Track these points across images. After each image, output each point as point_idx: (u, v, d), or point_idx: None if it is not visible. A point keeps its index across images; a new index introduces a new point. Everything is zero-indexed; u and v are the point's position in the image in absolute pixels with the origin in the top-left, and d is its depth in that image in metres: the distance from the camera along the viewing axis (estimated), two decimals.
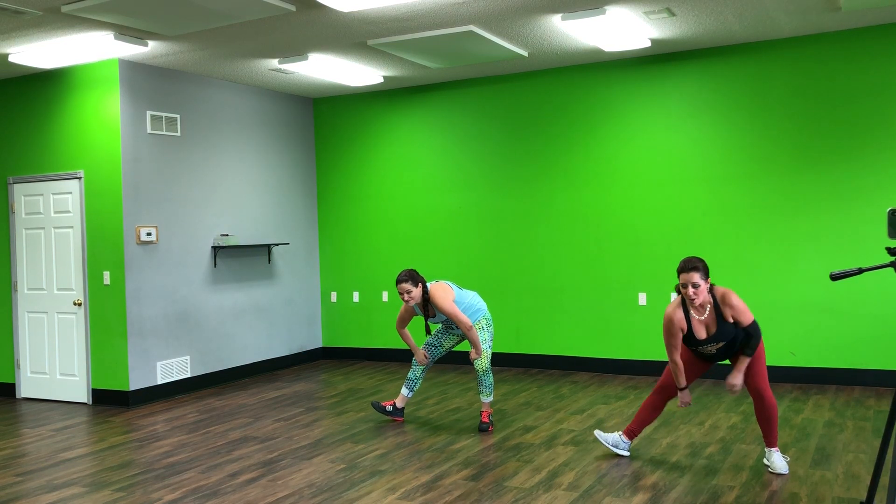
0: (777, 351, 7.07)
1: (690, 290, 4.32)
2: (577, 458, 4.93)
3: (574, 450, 5.10)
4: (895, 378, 6.68)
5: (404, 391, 5.96)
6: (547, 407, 6.37)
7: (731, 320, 4.43)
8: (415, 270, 5.59)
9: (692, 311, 4.49)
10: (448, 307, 5.52)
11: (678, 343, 4.54)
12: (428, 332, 5.70)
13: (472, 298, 5.73)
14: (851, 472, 4.46)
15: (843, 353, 6.83)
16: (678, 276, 4.38)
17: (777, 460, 4.52)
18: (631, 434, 4.89)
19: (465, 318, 5.53)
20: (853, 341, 6.79)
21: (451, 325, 5.84)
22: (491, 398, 5.72)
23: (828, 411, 5.92)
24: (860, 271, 3.05)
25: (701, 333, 4.50)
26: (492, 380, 5.71)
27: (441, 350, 5.90)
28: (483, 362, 5.63)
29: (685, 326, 4.50)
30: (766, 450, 4.59)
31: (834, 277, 3.08)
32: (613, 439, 4.92)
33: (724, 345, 4.51)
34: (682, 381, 4.66)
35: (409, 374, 5.95)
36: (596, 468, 4.70)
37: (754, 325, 4.41)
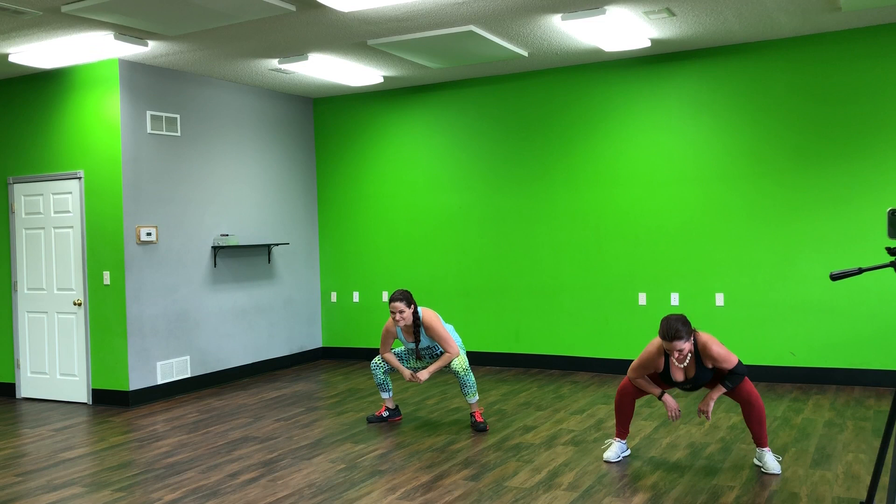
0: (777, 351, 7.07)
1: (676, 355, 4.34)
2: (577, 458, 4.93)
3: (574, 450, 5.10)
4: (895, 378, 6.68)
5: (384, 395, 5.97)
6: (547, 407, 6.37)
7: (710, 367, 4.48)
8: (409, 292, 5.60)
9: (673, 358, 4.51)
10: (443, 331, 5.61)
11: (644, 374, 4.63)
12: (419, 357, 5.79)
13: (452, 331, 5.83)
14: (851, 472, 4.46)
15: (843, 353, 6.83)
16: (662, 340, 4.32)
17: (770, 460, 4.51)
18: (623, 435, 4.89)
19: (454, 345, 5.63)
20: (853, 341, 6.79)
21: (424, 355, 5.88)
22: (477, 397, 5.73)
23: (828, 411, 5.92)
24: (860, 271, 3.05)
25: (678, 376, 4.55)
26: (473, 378, 5.73)
27: (408, 365, 5.97)
28: (462, 362, 5.65)
29: (660, 368, 4.55)
30: (758, 450, 4.59)
31: (834, 277, 3.08)
32: (618, 449, 4.87)
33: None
34: (657, 389, 4.67)
35: (376, 381, 5.93)
36: (596, 468, 4.70)
37: (739, 365, 4.43)
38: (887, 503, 2.83)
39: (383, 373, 5.89)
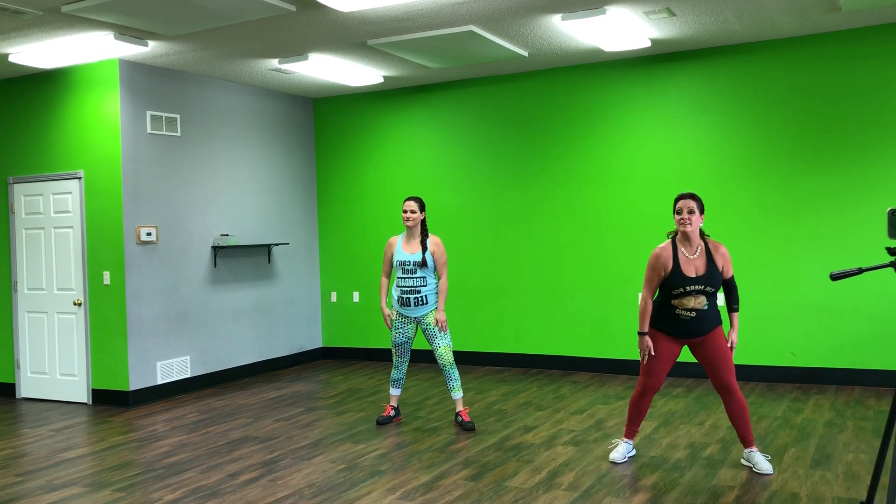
0: (777, 351, 7.07)
1: (685, 215, 4.42)
2: (577, 458, 4.93)
3: (574, 450, 5.10)
4: (895, 378, 6.68)
5: (395, 391, 5.98)
6: (547, 407, 6.37)
7: (721, 268, 4.51)
8: (423, 200, 5.71)
9: (682, 249, 4.51)
10: (444, 255, 5.71)
11: (657, 283, 4.56)
12: (421, 266, 5.71)
13: None
14: (851, 472, 4.46)
15: (843, 353, 6.83)
16: (675, 205, 4.49)
17: (761, 460, 4.52)
18: (632, 435, 4.89)
19: (445, 269, 5.74)
20: (853, 341, 6.79)
21: (408, 316, 5.80)
22: (462, 393, 5.82)
23: (828, 411, 5.92)
24: (860, 271, 3.05)
25: (689, 271, 4.47)
26: (458, 373, 5.81)
27: (411, 343, 5.91)
28: (447, 356, 5.71)
29: (669, 266, 4.48)
30: (746, 451, 4.60)
31: (834, 277, 3.08)
32: (625, 450, 4.86)
33: (703, 304, 4.48)
34: (646, 327, 4.63)
35: (395, 375, 5.95)
36: (596, 468, 4.70)
37: (734, 279, 4.68)
38: (887, 503, 2.83)
39: (405, 368, 5.93)
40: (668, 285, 4.50)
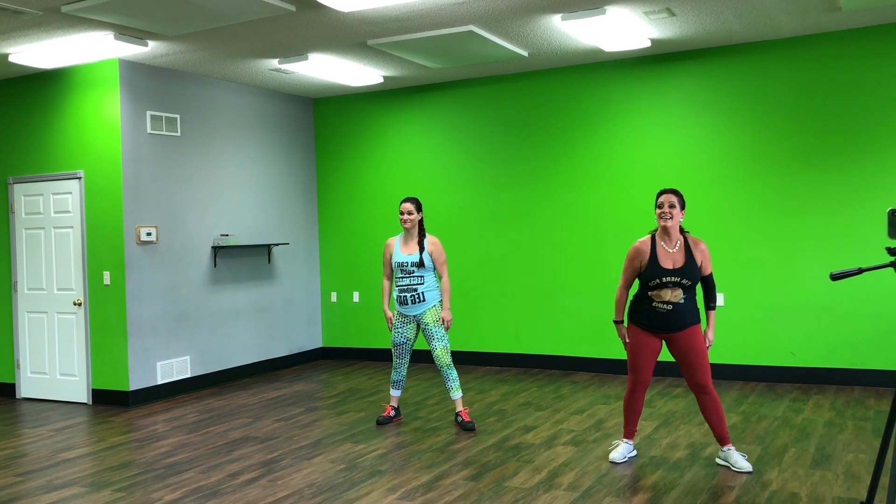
0: (777, 351, 7.07)
1: (667, 209, 4.49)
2: (577, 458, 4.93)
3: (574, 450, 5.11)
4: (895, 378, 6.68)
5: (395, 392, 5.99)
6: (547, 407, 6.37)
7: (699, 264, 4.56)
8: (419, 200, 5.74)
9: (662, 242, 4.57)
10: (442, 254, 5.76)
11: (631, 274, 4.67)
12: (414, 269, 5.74)
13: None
14: (851, 472, 4.46)
15: (843, 353, 6.83)
16: (656, 199, 4.56)
17: (738, 459, 4.54)
18: (630, 435, 4.89)
19: (445, 268, 5.79)
20: (853, 341, 6.79)
21: (408, 316, 5.80)
22: (461, 393, 5.82)
23: (828, 411, 5.92)
24: (860, 271, 3.05)
25: (667, 263, 4.52)
26: (456, 373, 5.84)
27: (410, 344, 5.90)
28: (445, 357, 5.73)
29: (646, 258, 4.54)
30: (722, 450, 4.61)
31: (834, 277, 3.08)
32: (625, 450, 4.86)
33: (680, 298, 4.51)
34: (619, 316, 4.78)
35: (394, 377, 5.95)
36: (596, 468, 4.70)
37: (712, 277, 4.69)
38: (887, 503, 2.83)
39: (405, 369, 5.93)
40: (645, 276, 4.57)
